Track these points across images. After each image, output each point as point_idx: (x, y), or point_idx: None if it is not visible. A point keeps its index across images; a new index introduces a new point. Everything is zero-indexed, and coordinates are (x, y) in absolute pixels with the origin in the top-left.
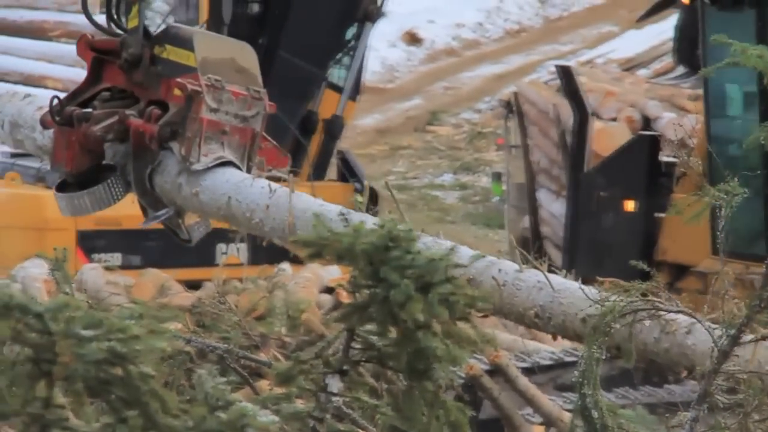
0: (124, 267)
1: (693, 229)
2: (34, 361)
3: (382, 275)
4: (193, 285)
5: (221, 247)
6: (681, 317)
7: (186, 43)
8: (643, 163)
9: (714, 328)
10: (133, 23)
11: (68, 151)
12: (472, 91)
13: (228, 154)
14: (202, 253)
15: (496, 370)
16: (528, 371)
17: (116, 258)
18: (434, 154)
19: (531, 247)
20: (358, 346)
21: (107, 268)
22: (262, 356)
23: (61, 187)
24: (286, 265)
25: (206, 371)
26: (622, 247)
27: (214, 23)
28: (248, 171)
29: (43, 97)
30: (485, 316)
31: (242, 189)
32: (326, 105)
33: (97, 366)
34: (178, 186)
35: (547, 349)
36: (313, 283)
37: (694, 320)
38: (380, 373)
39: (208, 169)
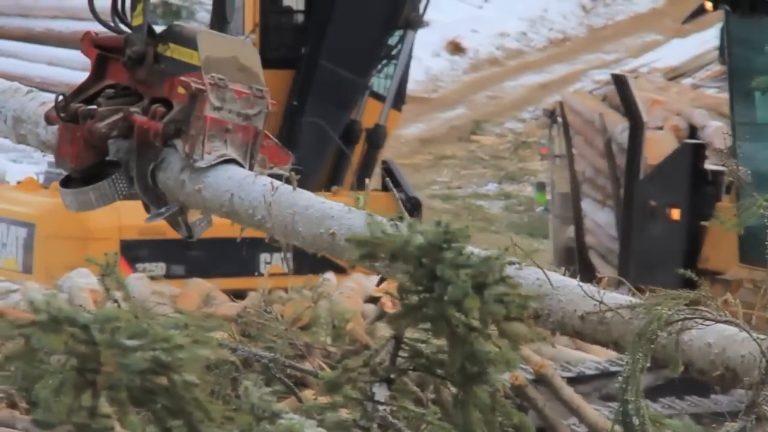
0: (168, 276)
1: (728, 237)
2: (79, 370)
3: (438, 273)
4: (237, 294)
5: (265, 256)
6: (728, 327)
7: (189, 42)
8: (689, 171)
9: (762, 339)
10: (137, 21)
11: (73, 147)
12: (515, 100)
13: (231, 152)
14: (246, 263)
15: (541, 380)
16: (573, 381)
17: (160, 267)
18: (478, 163)
19: (575, 256)
20: (406, 354)
21: (152, 278)
22: (307, 365)
23: (66, 183)
24: (330, 275)
25: (252, 381)
26: (669, 256)
27: (217, 21)
28: (251, 168)
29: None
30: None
31: (245, 186)
32: (369, 114)
33: (142, 375)
34: (181, 183)
35: (593, 358)
36: (357, 293)
37: (742, 330)
38: (426, 382)
39: (211, 166)
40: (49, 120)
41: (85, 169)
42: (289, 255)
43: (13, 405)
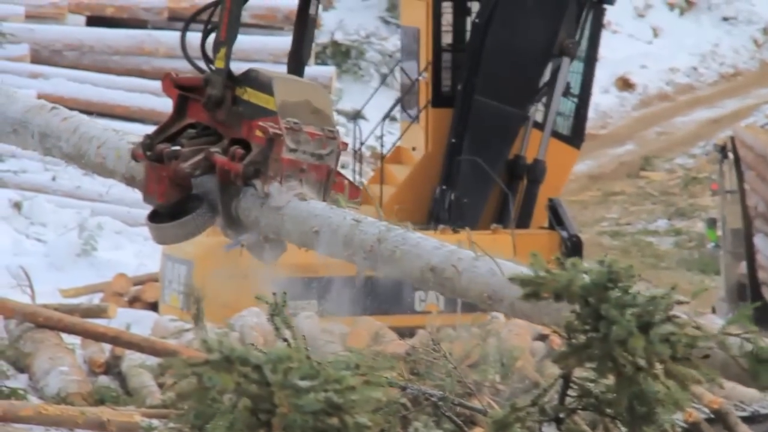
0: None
1: None
2: (252, 410)
3: (603, 313)
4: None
5: (420, 294)
6: None
7: (265, 88)
8: None
9: None
10: (219, 64)
11: (159, 186)
12: (686, 135)
13: (306, 190)
14: (401, 301)
15: (716, 418)
16: (748, 420)
17: (311, 305)
18: (648, 199)
19: (748, 293)
20: (574, 393)
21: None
22: (476, 403)
23: (153, 217)
24: (498, 313)
25: (422, 423)
26: None
27: (294, 62)
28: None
29: (65, 109)
30: None
31: (322, 218)
32: (535, 147)
33: (315, 416)
34: (262, 216)
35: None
36: (526, 330)
37: None
38: (597, 422)
39: (290, 202)
40: (135, 157)
41: (171, 205)
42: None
43: None
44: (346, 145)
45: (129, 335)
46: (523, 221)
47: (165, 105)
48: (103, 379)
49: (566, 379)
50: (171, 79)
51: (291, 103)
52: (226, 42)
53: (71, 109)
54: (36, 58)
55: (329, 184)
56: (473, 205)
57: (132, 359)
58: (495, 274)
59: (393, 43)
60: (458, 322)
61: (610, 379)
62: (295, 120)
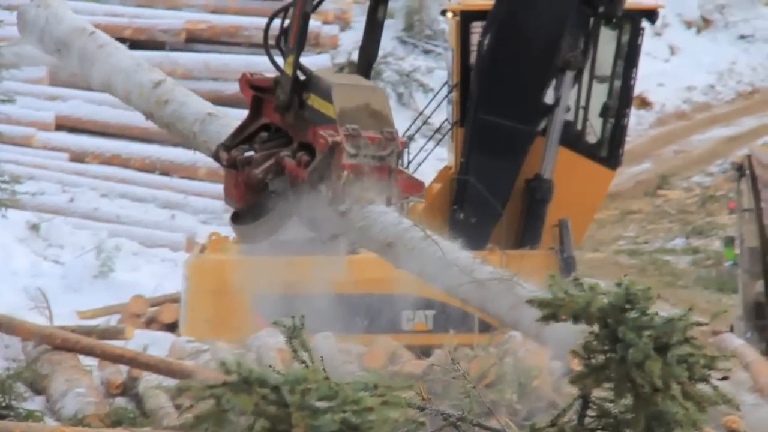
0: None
1: None
2: (269, 431)
3: (620, 335)
4: None
5: (407, 313)
6: None
7: (326, 95)
8: None
9: None
10: (287, 69)
11: (236, 190)
12: (703, 154)
13: (369, 190)
14: (388, 320)
15: None
16: None
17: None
18: (665, 218)
19: (766, 312)
20: (593, 413)
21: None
22: (494, 423)
23: (235, 218)
24: (516, 332)
25: None
26: None
27: (364, 63)
28: (388, 202)
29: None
30: None
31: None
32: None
33: None
34: (329, 219)
35: None
36: (543, 350)
37: None
38: None
39: (353, 206)
40: (216, 159)
41: (250, 206)
42: (431, 312)
43: None
44: (405, 143)
45: (146, 356)
46: (532, 241)
47: None
48: (120, 401)
49: (585, 399)
50: (246, 80)
51: (350, 108)
52: (295, 49)
53: (90, 132)
54: (54, 81)
55: (392, 182)
56: (480, 226)
57: (149, 380)
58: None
59: (410, 62)
60: (475, 341)
61: (629, 399)
62: (354, 126)
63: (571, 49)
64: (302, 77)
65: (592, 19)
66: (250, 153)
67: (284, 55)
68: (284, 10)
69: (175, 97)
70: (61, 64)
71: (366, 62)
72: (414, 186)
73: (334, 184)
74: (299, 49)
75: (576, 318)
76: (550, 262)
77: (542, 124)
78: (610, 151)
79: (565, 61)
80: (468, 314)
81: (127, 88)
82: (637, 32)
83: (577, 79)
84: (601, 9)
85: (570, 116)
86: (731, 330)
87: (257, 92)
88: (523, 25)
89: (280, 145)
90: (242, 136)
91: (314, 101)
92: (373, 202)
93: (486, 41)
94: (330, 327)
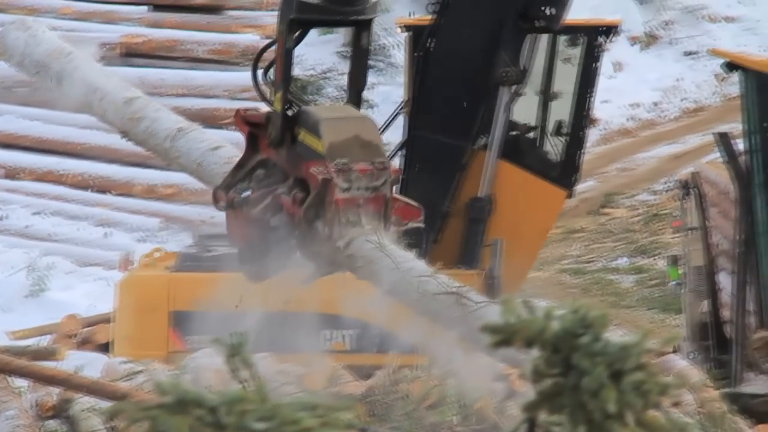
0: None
1: None
2: None
3: (574, 362)
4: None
5: (325, 333)
6: None
7: (314, 130)
8: None
9: None
10: (276, 106)
11: (238, 230)
12: (647, 172)
13: (365, 222)
14: (304, 339)
15: None
16: None
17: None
18: (609, 237)
19: (711, 332)
20: None
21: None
22: None
23: (241, 257)
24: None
25: None
26: None
27: (353, 92)
28: (386, 230)
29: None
30: None
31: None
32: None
33: None
34: (328, 254)
35: None
36: (486, 371)
37: None
38: None
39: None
40: (216, 200)
41: (253, 245)
42: (351, 332)
43: None
44: (399, 171)
45: (79, 378)
46: (469, 261)
47: (117, 142)
48: (52, 424)
49: (532, 422)
50: (241, 116)
51: (339, 142)
52: (282, 85)
53: (24, 148)
54: None
55: (388, 211)
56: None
57: (82, 402)
58: None
59: None
60: (417, 362)
61: (581, 428)
62: (344, 160)
63: (505, 65)
64: (292, 112)
65: (533, 36)
66: (248, 193)
67: (273, 92)
68: (268, 47)
69: (147, 114)
70: (41, 85)
71: (355, 91)
72: (412, 212)
73: (330, 221)
74: (286, 84)
75: (530, 344)
76: (475, 283)
77: (483, 141)
78: (563, 170)
79: (499, 76)
80: (389, 334)
81: (103, 106)
82: (593, 49)
83: (517, 95)
84: (538, 24)
85: (528, 134)
86: (674, 351)
87: (252, 128)
88: (457, 37)
89: (277, 182)
90: (240, 174)
91: (305, 137)
92: (371, 234)
93: (422, 54)
94: (255, 348)
